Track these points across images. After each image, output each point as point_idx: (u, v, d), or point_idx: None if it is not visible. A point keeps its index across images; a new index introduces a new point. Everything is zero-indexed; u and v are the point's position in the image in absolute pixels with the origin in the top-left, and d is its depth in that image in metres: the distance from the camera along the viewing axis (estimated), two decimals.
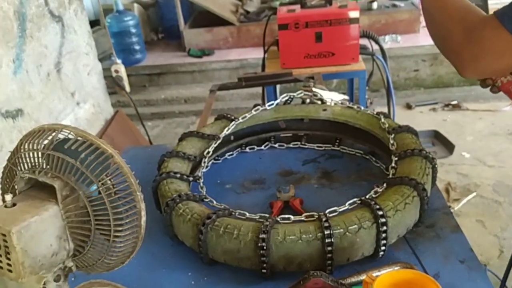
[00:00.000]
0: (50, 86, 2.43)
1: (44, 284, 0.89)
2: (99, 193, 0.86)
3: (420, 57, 4.91)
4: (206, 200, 1.31)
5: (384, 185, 1.27)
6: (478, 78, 1.13)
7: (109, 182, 0.86)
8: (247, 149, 1.75)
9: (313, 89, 1.75)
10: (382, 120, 1.53)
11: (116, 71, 3.14)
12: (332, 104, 1.72)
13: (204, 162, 1.54)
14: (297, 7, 2.72)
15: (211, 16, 5.36)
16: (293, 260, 1.12)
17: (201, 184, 1.42)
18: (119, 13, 5.18)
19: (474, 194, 3.26)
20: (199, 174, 1.46)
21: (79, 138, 0.86)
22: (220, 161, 1.69)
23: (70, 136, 0.87)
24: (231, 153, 1.72)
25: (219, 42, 5.42)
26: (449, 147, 3.76)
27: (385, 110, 2.84)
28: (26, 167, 0.88)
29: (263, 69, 2.98)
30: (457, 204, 3.15)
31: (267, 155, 1.72)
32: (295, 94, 1.75)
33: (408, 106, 4.63)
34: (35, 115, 2.26)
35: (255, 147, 1.75)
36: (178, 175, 1.39)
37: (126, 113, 3.54)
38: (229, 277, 1.19)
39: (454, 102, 4.56)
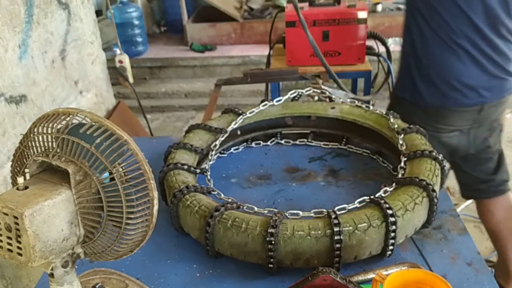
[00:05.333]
0: (55, 74, 2.41)
1: (52, 269, 0.89)
2: (111, 179, 0.86)
3: None
4: (214, 192, 1.30)
5: (394, 184, 1.26)
6: None
7: (122, 168, 0.85)
8: (253, 144, 1.74)
9: (322, 86, 1.75)
10: (392, 120, 1.53)
11: (120, 62, 3.12)
12: (340, 102, 1.72)
13: (211, 155, 1.53)
14: (305, 5, 2.70)
15: (214, 11, 5.35)
16: (301, 256, 1.12)
17: (208, 176, 1.41)
18: (123, 4, 5.17)
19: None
20: (206, 167, 1.45)
21: (94, 123, 0.85)
22: (225, 155, 1.68)
23: (85, 121, 0.86)
24: (237, 147, 1.71)
25: (222, 37, 5.41)
26: None
27: None
28: (39, 151, 0.87)
29: (267, 65, 2.97)
30: (456, 208, 3.15)
31: (273, 151, 1.71)
32: (303, 91, 1.74)
33: None
34: (38, 101, 2.24)
35: (261, 142, 1.74)
36: (186, 167, 1.38)
37: (126, 105, 3.52)
38: (235, 270, 1.19)
39: None
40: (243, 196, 1.45)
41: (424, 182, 1.21)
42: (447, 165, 1.36)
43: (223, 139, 1.57)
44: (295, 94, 1.74)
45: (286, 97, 1.70)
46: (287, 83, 4.46)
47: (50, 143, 0.86)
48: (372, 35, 2.72)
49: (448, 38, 1.87)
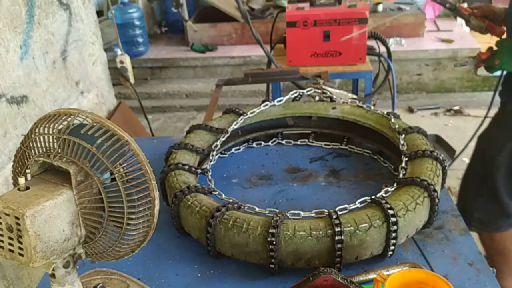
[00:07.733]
0: (56, 74, 2.41)
1: (53, 269, 0.89)
2: (113, 180, 0.86)
3: (424, 61, 4.91)
4: (215, 193, 1.30)
5: (395, 185, 1.26)
6: None
7: (124, 169, 0.85)
8: (254, 145, 1.74)
9: (323, 86, 1.75)
10: (392, 120, 1.53)
11: (121, 62, 3.12)
12: (341, 102, 1.71)
13: (212, 155, 1.53)
14: (306, 5, 2.71)
15: (215, 11, 5.34)
16: (302, 256, 1.12)
17: (209, 177, 1.41)
18: (124, 5, 5.16)
19: None
20: (207, 167, 1.45)
21: (95, 123, 0.85)
22: (226, 155, 1.68)
23: (86, 122, 0.86)
24: (238, 147, 1.71)
25: (222, 38, 5.41)
26: (450, 152, 3.75)
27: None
28: (40, 151, 0.87)
29: (268, 66, 2.97)
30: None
31: (274, 151, 1.71)
32: (304, 91, 1.74)
33: (410, 110, 4.63)
34: (40, 102, 2.24)
35: (262, 142, 1.74)
36: (187, 167, 1.38)
37: (127, 105, 3.52)
38: (236, 270, 1.19)
39: (456, 108, 4.56)
40: (244, 196, 1.45)
41: (425, 182, 1.21)
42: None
43: (224, 139, 1.57)
44: (296, 94, 1.74)
45: (287, 97, 1.70)
46: (288, 83, 4.46)
47: (51, 144, 0.86)
48: (372, 35, 2.72)
49: None
